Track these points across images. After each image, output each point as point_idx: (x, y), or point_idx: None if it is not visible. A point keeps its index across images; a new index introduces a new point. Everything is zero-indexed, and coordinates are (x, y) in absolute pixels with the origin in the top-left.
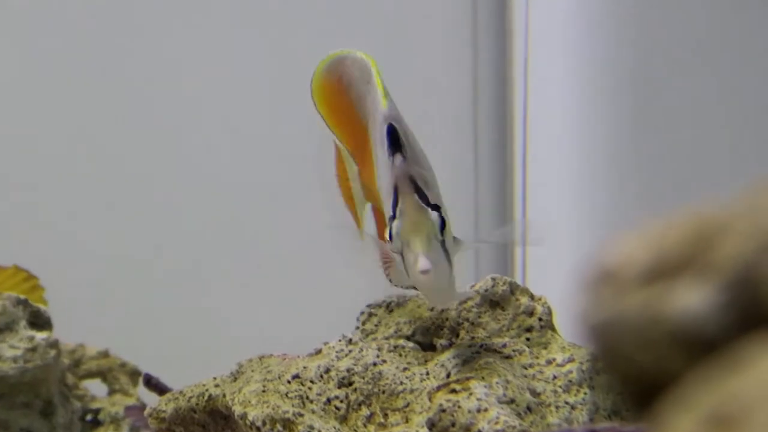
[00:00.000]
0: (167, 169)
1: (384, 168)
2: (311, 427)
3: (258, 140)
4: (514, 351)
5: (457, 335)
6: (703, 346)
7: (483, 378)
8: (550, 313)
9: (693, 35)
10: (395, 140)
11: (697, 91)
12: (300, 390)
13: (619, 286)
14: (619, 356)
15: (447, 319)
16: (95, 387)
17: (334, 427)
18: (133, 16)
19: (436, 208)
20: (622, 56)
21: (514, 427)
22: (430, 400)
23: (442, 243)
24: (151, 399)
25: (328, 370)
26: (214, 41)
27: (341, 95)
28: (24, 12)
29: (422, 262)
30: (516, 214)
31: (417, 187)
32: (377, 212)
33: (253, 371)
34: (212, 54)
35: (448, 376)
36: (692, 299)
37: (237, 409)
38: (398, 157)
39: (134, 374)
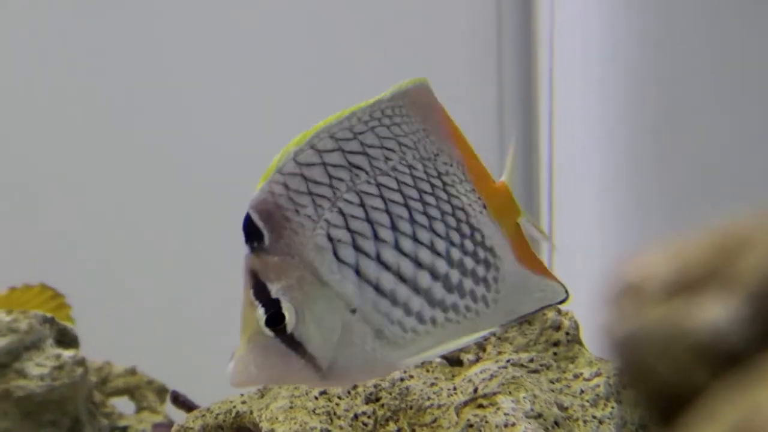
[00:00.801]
0: (191, 182)
1: None
2: None
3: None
4: (541, 365)
5: (484, 350)
6: (727, 359)
7: (510, 393)
8: (577, 327)
9: (718, 38)
10: (249, 230)
11: (721, 94)
12: (327, 406)
13: (641, 300)
14: (643, 369)
15: None
16: (122, 404)
17: None
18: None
19: (273, 302)
20: (647, 60)
21: None
22: (457, 415)
23: (284, 337)
24: (178, 416)
25: (355, 386)
26: (232, 43)
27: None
28: (35, 14)
29: (228, 366)
30: (542, 226)
31: (256, 281)
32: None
33: (280, 388)
34: (225, 54)
35: (476, 391)
36: (715, 312)
37: (264, 426)
38: (246, 248)
39: (161, 391)
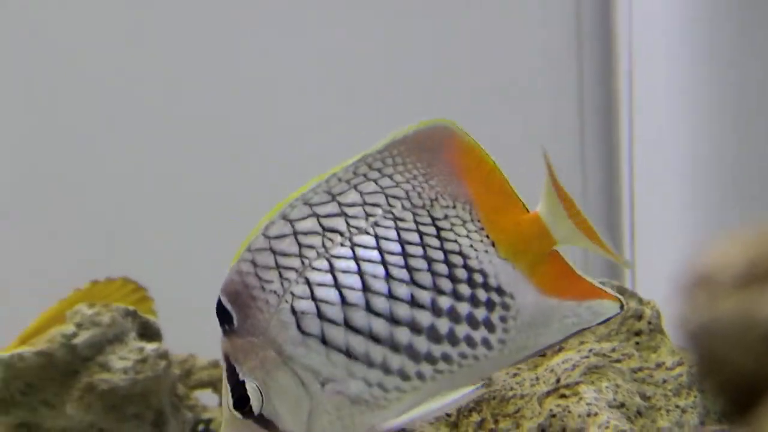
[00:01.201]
0: (268, 175)
1: None
2: None
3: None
4: (623, 355)
5: (566, 340)
6: None
7: (592, 382)
8: (659, 316)
9: None
10: (220, 313)
11: None
12: None
13: (714, 291)
14: (717, 359)
15: None
16: (206, 397)
17: None
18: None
19: (240, 384)
20: (726, 57)
21: (624, 431)
22: (540, 405)
23: (254, 417)
24: None
25: None
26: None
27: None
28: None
29: None
30: (624, 218)
31: (228, 364)
32: None
33: None
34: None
35: (558, 381)
36: None
37: None
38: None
39: None
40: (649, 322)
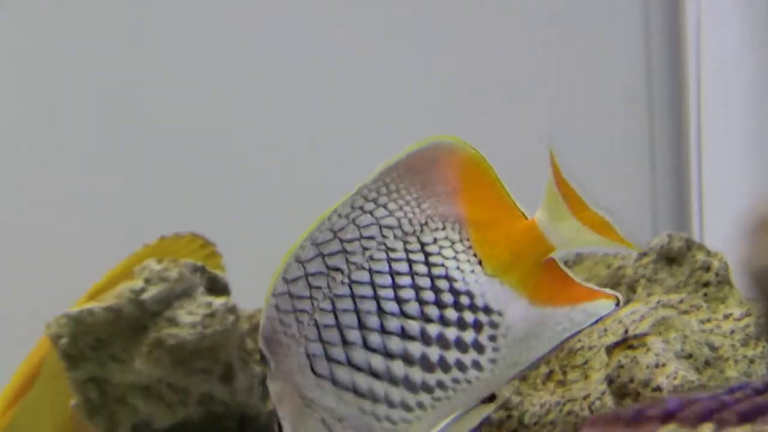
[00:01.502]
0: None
1: None
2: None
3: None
4: (691, 306)
5: (634, 291)
6: None
7: (660, 333)
8: (726, 268)
9: None
10: (261, 359)
11: None
12: None
13: None
14: None
15: (624, 276)
16: None
17: (513, 385)
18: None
19: (281, 427)
20: None
21: (692, 382)
22: (608, 356)
23: None
24: None
25: None
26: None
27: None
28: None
29: None
30: (692, 171)
31: (275, 407)
32: None
33: None
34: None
35: (626, 332)
36: None
37: None
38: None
39: None
40: (717, 274)
